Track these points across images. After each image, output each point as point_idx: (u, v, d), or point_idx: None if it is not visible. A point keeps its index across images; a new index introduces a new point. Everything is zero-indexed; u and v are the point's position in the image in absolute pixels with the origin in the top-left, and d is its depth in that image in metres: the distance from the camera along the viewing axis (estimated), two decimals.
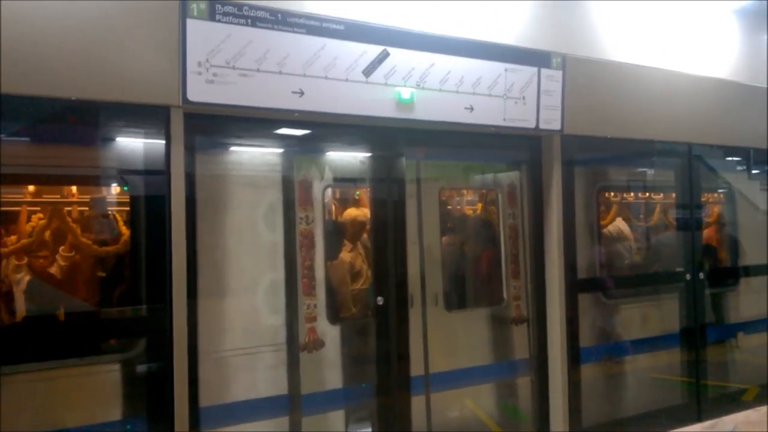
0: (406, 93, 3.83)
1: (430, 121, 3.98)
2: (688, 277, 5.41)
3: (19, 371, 3.04)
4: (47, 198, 4.52)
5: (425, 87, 3.91)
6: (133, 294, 3.44)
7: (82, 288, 4.11)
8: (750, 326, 6.04)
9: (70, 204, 4.43)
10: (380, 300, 4.06)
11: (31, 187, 4.49)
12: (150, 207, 3.31)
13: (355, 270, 4.71)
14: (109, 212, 4.25)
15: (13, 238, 4.26)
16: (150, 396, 3.29)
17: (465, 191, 5.53)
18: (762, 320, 6.05)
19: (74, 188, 4.39)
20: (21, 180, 3.98)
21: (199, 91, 3.21)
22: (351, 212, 4.91)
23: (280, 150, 3.92)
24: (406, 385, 4.16)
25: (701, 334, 5.52)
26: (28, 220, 4.60)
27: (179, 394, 3.19)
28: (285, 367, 3.89)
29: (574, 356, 4.70)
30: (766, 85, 5.73)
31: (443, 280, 4.53)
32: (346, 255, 4.61)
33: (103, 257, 4.15)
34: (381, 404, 4.12)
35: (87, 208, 4.40)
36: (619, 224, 5.88)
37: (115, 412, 3.29)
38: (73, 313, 3.85)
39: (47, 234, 4.02)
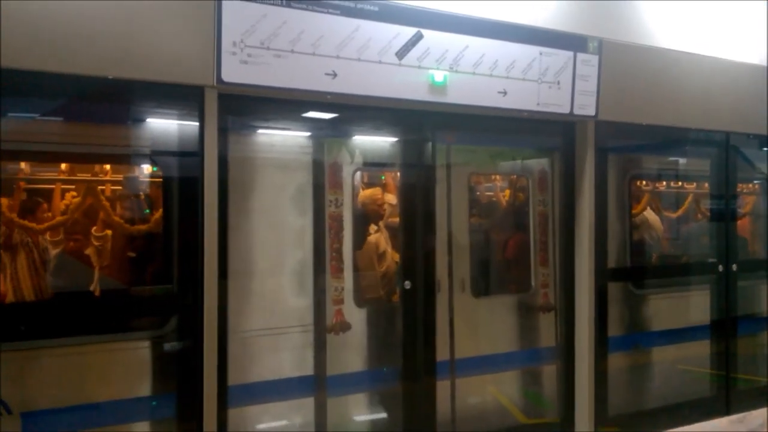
0: (439, 76, 3.78)
1: (462, 105, 3.93)
2: (720, 268, 5.31)
3: (48, 346, 3.10)
4: (81, 176, 4.57)
5: (458, 70, 3.85)
6: (163, 273, 3.49)
7: (113, 266, 4.17)
8: None
9: (103, 183, 4.48)
10: (408, 284, 4.05)
11: (64, 166, 4.55)
12: (183, 187, 3.33)
13: (380, 251, 4.70)
14: (141, 192, 4.28)
15: (48, 214, 4.33)
16: (180, 373, 3.33)
17: (495, 177, 5.47)
18: None
19: (108, 167, 4.43)
20: (57, 158, 4.04)
21: (234, 72, 3.20)
22: (366, 192, 4.87)
23: (311, 132, 3.91)
24: (432, 370, 4.15)
25: (732, 327, 5.42)
26: (62, 198, 4.68)
27: (209, 372, 3.23)
28: (311, 349, 3.91)
29: (602, 345, 4.64)
30: None
31: (471, 266, 4.51)
32: (372, 237, 4.60)
33: (134, 236, 4.20)
34: (406, 388, 4.12)
35: (120, 188, 4.44)
36: (648, 215, 5.77)
37: (144, 388, 3.34)
38: (103, 290, 3.92)
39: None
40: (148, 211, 4.29)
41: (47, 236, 4.05)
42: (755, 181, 6.19)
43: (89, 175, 4.51)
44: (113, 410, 3.23)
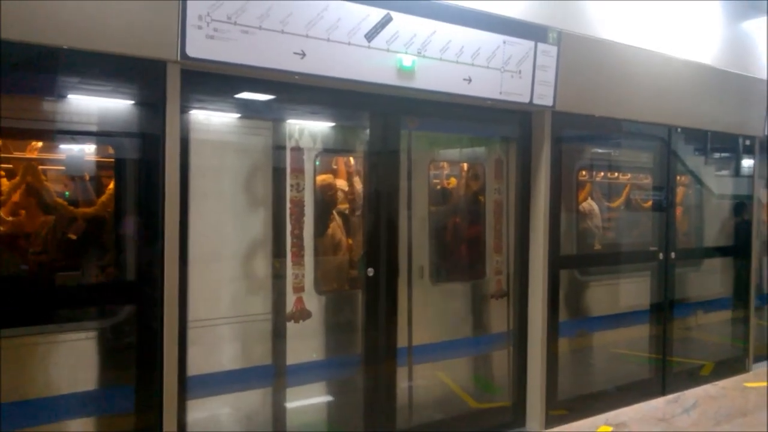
0: (407, 60, 3.73)
1: (429, 91, 3.90)
2: (660, 256, 5.56)
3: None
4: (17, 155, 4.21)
5: (426, 55, 3.81)
6: (114, 259, 3.28)
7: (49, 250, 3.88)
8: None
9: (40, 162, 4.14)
10: (371, 271, 4.00)
11: None
12: (140, 169, 3.13)
13: (335, 240, 4.61)
14: (87, 174, 3.99)
15: None
16: (138, 365, 3.15)
17: (451, 164, 5.48)
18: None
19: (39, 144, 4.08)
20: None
21: (199, 47, 3.03)
22: (321, 178, 4.75)
23: (274, 115, 3.77)
24: (393, 356, 4.13)
25: (669, 312, 5.70)
26: None
27: (169, 363, 3.08)
28: (270, 337, 3.81)
29: (554, 331, 4.77)
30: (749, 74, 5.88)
31: (430, 253, 4.51)
32: (333, 223, 4.50)
33: (77, 219, 3.92)
34: (368, 375, 4.08)
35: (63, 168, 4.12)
36: (591, 204, 5.96)
37: (92, 381, 3.14)
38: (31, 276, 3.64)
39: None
40: (68, 194, 4.00)
41: None
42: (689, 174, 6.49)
43: (27, 153, 4.16)
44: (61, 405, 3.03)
